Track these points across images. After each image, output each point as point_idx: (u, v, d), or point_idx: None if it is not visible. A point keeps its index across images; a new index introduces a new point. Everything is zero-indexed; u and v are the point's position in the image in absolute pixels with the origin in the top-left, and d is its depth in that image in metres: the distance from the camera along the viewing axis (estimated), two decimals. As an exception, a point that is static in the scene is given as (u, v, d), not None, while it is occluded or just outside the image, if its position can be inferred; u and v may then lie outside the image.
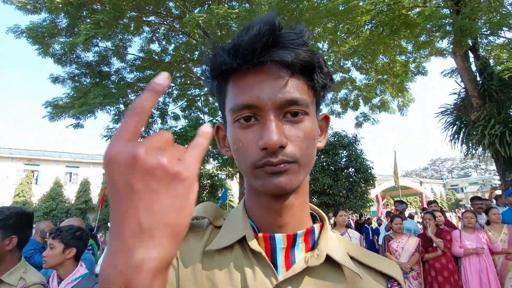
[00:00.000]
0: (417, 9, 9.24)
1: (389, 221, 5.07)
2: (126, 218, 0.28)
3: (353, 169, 9.32)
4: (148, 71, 12.20)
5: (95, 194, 22.90)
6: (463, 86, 7.33)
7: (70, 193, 23.35)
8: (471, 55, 7.29)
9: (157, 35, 12.36)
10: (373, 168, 9.30)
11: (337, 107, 14.33)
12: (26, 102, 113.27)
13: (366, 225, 8.08)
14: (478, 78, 7.10)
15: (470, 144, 7.03)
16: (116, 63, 11.97)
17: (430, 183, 37.16)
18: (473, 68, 7.22)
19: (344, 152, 9.58)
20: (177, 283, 0.48)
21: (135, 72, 12.25)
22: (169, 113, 14.28)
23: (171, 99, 14.32)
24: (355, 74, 13.76)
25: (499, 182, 7.21)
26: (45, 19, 9.77)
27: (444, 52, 9.99)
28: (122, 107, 12.29)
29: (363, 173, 9.07)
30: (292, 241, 0.51)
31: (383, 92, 13.59)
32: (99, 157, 27.49)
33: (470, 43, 6.56)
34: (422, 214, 9.81)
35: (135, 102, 0.30)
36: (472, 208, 5.00)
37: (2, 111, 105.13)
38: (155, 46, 12.65)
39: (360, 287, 0.50)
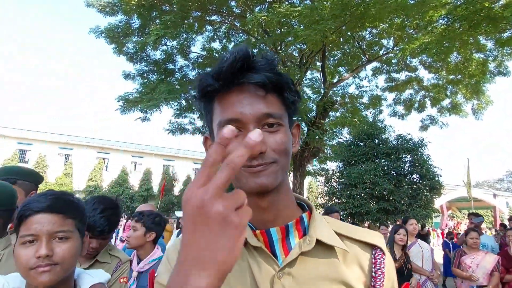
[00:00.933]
0: (503, 1, 8.24)
1: (462, 235, 4.61)
2: (189, 248, 0.35)
3: (417, 175, 8.66)
4: (209, 68, 12.67)
5: (155, 183, 24.61)
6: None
7: (134, 181, 25.42)
8: None
9: (218, 33, 12.78)
10: (441, 176, 8.55)
11: (400, 109, 13.50)
12: (101, 96, 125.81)
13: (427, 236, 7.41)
14: None
15: None
16: (180, 61, 12.66)
17: (505, 196, 33.13)
18: None
19: (408, 156, 8.93)
20: None
21: (196, 69, 12.81)
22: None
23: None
24: (422, 73, 12.80)
25: None
26: (121, 20, 10.66)
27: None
28: (183, 102, 12.96)
29: (429, 180, 8.36)
30: (285, 232, 0.60)
31: (454, 93, 12.44)
32: (162, 149, 29.47)
33: None
34: (498, 230, 8.78)
35: (208, 154, 0.36)
36: None
37: (83, 103, 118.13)
38: (216, 44, 13.10)
39: (349, 259, 0.59)
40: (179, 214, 4.13)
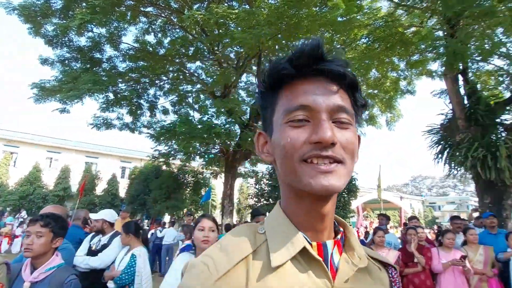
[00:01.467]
0: (413, 28, 9.47)
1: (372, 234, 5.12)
2: None
3: (338, 179, 9.43)
4: (141, 62, 12.02)
5: (75, 182, 22.32)
6: (451, 107, 7.53)
7: (49, 178, 22.66)
8: (460, 78, 7.51)
9: (153, 26, 12.20)
10: (357, 180, 9.41)
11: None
12: (10, 80, 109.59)
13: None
14: (466, 102, 7.32)
15: (453, 164, 7.23)
16: (109, 51, 11.75)
17: (409, 198, 37.98)
18: (462, 91, 7.44)
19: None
20: None
21: (127, 62, 12.04)
22: (159, 106, 14.10)
23: (162, 93, 14.14)
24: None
25: (476, 203, 7.43)
26: (39, -2, 9.48)
27: (433, 73, 10.26)
28: (111, 95, 12.05)
29: (348, 184, 9.17)
30: (333, 246, 0.56)
31: (371, 106, 13.85)
32: (83, 144, 26.86)
33: (461, 67, 6.74)
34: (402, 229, 9.99)
35: None
36: (451, 227, 5.13)
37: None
38: (150, 38, 12.49)
39: (380, 278, 0.60)
40: (95, 216, 3.76)
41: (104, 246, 3.30)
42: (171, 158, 13.73)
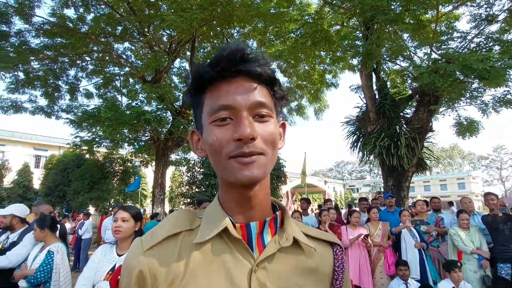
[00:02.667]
0: (337, 27, 10.26)
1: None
2: None
3: (267, 166, 9.90)
4: (59, 39, 10.81)
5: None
6: (365, 101, 8.45)
7: None
8: (374, 75, 8.44)
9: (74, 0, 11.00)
10: (285, 167, 10.02)
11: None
12: None
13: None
14: (377, 96, 8.28)
15: (365, 152, 8.18)
16: (19, 24, 10.29)
17: (333, 182, 41.51)
18: (374, 87, 8.38)
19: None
20: None
21: (42, 38, 10.71)
22: (81, 89, 12.93)
23: (84, 74, 12.95)
24: (278, 76, 14.49)
25: (383, 186, 8.55)
26: None
27: (355, 68, 11.31)
28: (21, 75, 10.66)
29: (276, 170, 9.70)
30: (262, 227, 0.61)
31: (301, 97, 14.67)
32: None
33: (374, 66, 7.59)
34: (316, 211, 10.98)
35: None
36: (359, 208, 5.88)
37: None
38: (70, 12, 11.26)
39: (315, 256, 0.64)
40: (2, 211, 3.37)
41: (13, 244, 3.07)
42: (96, 145, 12.79)
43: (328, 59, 12.03)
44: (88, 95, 13.20)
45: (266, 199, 0.63)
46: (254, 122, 0.56)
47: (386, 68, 9.13)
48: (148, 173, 18.40)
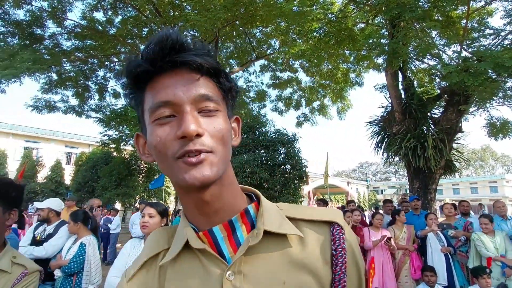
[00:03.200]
0: (362, 25, 10.06)
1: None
2: None
3: (289, 166, 9.86)
4: (89, 41, 11.29)
5: (12, 169, 20.54)
6: (390, 101, 8.24)
7: (-19, 164, 20.57)
8: (400, 74, 8.21)
9: (102, 3, 11.44)
10: (307, 167, 9.96)
11: (280, 105, 14.94)
12: None
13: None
14: (403, 96, 8.05)
15: (390, 153, 7.98)
16: (52, 27, 10.84)
17: (356, 183, 40.71)
18: (400, 86, 8.16)
19: (283, 149, 10.08)
20: None
21: (73, 40, 11.22)
22: (109, 89, 13.43)
23: (112, 75, 13.44)
24: (301, 75, 14.45)
25: (409, 188, 8.30)
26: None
27: (380, 67, 11.05)
28: (54, 76, 11.21)
29: (298, 170, 9.66)
30: (230, 228, 0.55)
31: (323, 96, 14.52)
32: (21, 128, 24.65)
33: (400, 64, 7.39)
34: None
35: None
36: (383, 210, 5.76)
37: None
38: (99, 15, 11.71)
39: (307, 243, 0.56)
40: (40, 205, 3.64)
41: (50, 236, 3.27)
42: (123, 143, 13.24)
43: (352, 58, 11.83)
44: (116, 95, 13.67)
45: (233, 197, 0.56)
46: (200, 117, 0.50)
47: (413, 67, 8.85)
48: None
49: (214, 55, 0.53)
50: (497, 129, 7.74)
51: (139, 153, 0.61)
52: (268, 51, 14.13)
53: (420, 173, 7.34)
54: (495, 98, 6.90)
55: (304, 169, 9.79)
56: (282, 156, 10.01)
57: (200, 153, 0.48)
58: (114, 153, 15.16)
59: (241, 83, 15.16)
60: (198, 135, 0.48)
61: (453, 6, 6.67)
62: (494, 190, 36.78)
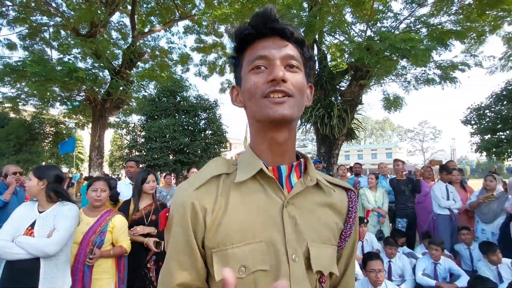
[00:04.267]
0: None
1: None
2: None
3: (210, 132, 9.98)
4: None
5: None
6: (305, 72, 8.79)
7: None
8: (315, 47, 8.77)
9: None
10: (227, 132, 10.21)
11: (204, 70, 14.65)
12: None
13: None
14: (317, 68, 8.68)
15: (302, 121, 8.67)
16: None
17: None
18: (315, 58, 8.73)
19: (204, 114, 10.09)
20: (205, 224, 0.65)
21: None
22: (1, 39, 11.39)
23: (5, 21, 11.37)
24: (227, 40, 14.21)
25: (316, 153, 9.24)
26: None
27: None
28: None
29: (219, 136, 9.85)
30: (290, 170, 0.69)
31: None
32: None
33: (316, 37, 7.87)
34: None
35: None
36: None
37: None
38: None
39: (333, 197, 0.74)
40: None
41: None
42: (21, 103, 11.60)
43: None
44: (11, 46, 11.69)
45: (293, 147, 0.72)
46: (286, 71, 0.64)
47: (326, 42, 9.50)
48: (85, 135, 17.31)
49: (300, 31, 0.68)
50: (390, 103, 8.98)
51: (232, 100, 0.75)
52: (193, 11, 13.49)
53: (326, 139, 8.21)
54: (389, 75, 7.93)
55: (224, 134, 10.03)
56: (203, 121, 10.05)
57: (284, 95, 0.62)
58: (12, 114, 13.23)
59: (162, 43, 14.36)
60: (283, 81, 0.62)
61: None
62: (389, 155, 42.99)
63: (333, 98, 8.56)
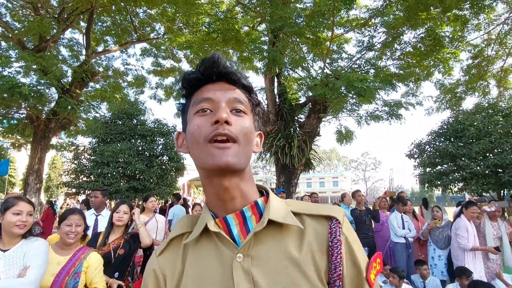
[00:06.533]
0: (246, 28, 10.69)
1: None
2: None
3: (167, 157, 9.63)
4: None
5: None
6: (266, 103, 9.11)
7: None
8: (276, 80, 9.18)
9: None
10: (185, 159, 9.95)
11: (161, 93, 14.34)
12: None
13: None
14: (277, 100, 9.04)
15: (263, 150, 8.84)
16: None
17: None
18: (276, 91, 9.12)
19: (162, 139, 9.76)
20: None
21: None
22: None
23: None
24: (185, 66, 14.18)
25: (276, 182, 9.40)
26: None
27: (259, 70, 11.99)
28: None
29: (176, 162, 9.54)
30: (242, 217, 0.62)
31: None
32: None
33: (277, 71, 8.26)
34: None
35: None
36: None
37: None
38: None
39: (307, 234, 0.62)
40: None
41: None
42: None
43: (236, 57, 12.41)
44: None
45: (248, 190, 0.64)
46: (232, 115, 0.61)
47: (287, 75, 10.02)
48: (19, 157, 15.53)
49: (247, 77, 0.67)
50: (342, 136, 9.60)
51: (176, 147, 0.72)
52: (152, 35, 13.32)
53: (285, 169, 8.42)
54: (344, 110, 8.54)
55: (182, 161, 9.75)
56: (161, 147, 9.69)
57: (228, 139, 0.58)
58: None
59: (117, 64, 13.83)
60: (227, 122, 0.58)
61: (322, 29, 7.89)
62: (336, 184, 45.34)
63: (292, 129, 8.92)
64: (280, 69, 7.98)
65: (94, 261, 2.14)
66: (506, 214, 7.10)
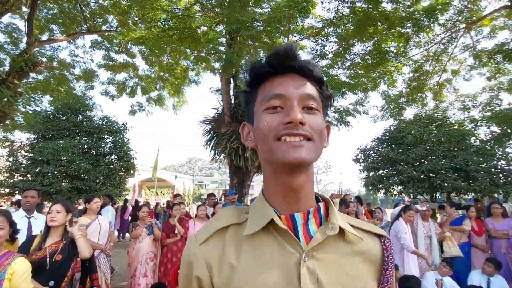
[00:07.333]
0: (205, 28, 10.59)
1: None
2: None
3: (116, 157, 9.16)
4: None
5: None
6: (222, 104, 9.11)
7: None
8: (232, 82, 9.21)
9: None
10: (135, 158, 9.55)
11: (112, 89, 13.64)
12: None
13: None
14: (233, 102, 9.07)
15: (217, 151, 8.81)
16: None
17: (183, 178, 41.94)
18: (232, 93, 9.15)
19: (111, 137, 9.26)
20: (212, 284, 0.60)
21: None
22: None
23: None
24: (139, 62, 13.67)
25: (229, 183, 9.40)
26: None
27: (216, 71, 11.94)
28: None
29: (126, 161, 9.11)
30: (306, 218, 0.62)
31: (162, 88, 14.24)
32: None
33: (233, 73, 8.29)
34: (165, 206, 11.00)
35: None
36: (207, 202, 6.32)
37: None
38: None
39: (362, 247, 0.64)
40: None
41: None
42: None
43: (193, 57, 12.22)
44: None
45: (311, 192, 0.64)
46: (304, 113, 0.59)
47: (242, 77, 10.09)
48: None
49: (319, 68, 0.64)
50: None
51: (242, 139, 0.70)
52: (104, 27, 12.61)
53: (239, 170, 8.47)
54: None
55: (132, 160, 9.33)
56: (109, 145, 9.19)
57: (303, 138, 0.57)
58: None
59: (64, 55, 12.90)
60: (302, 123, 0.57)
61: (278, 35, 8.10)
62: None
63: (246, 131, 8.98)
64: (236, 71, 8.02)
65: (20, 267, 1.98)
66: (437, 215, 7.86)
